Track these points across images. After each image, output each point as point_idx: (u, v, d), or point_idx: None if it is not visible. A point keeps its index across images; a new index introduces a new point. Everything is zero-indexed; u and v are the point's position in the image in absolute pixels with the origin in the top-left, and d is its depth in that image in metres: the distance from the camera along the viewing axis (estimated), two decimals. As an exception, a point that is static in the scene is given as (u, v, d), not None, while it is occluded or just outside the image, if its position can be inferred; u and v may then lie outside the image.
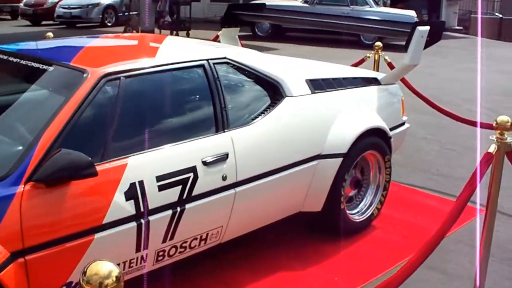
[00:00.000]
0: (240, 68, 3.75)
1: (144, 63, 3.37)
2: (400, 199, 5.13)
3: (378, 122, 4.28)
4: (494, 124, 3.16)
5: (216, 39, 7.50)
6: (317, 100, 3.99)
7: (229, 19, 5.81)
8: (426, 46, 4.76)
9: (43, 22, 22.69)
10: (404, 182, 5.63)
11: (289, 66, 4.14)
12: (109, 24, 20.77)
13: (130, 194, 2.97)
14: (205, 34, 7.89)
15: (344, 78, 4.32)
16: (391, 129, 4.58)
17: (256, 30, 16.76)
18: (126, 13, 18.20)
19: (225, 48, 3.90)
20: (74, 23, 20.81)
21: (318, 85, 4.06)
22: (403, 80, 6.23)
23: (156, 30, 17.31)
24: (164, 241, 3.18)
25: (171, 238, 3.21)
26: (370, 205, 4.44)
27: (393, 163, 6.12)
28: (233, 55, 3.78)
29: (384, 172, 4.44)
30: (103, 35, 4.51)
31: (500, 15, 26.54)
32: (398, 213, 4.78)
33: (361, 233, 4.35)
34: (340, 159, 3.96)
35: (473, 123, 5.95)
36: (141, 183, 3.01)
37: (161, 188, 3.09)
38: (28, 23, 23.26)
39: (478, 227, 3.85)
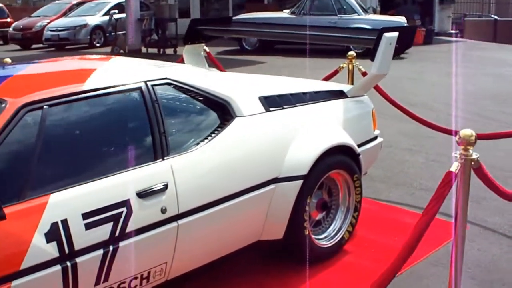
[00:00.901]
0: (184, 89, 3.44)
1: (71, 89, 3.05)
2: (376, 218, 4.80)
3: (343, 138, 3.96)
4: (456, 139, 2.83)
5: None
6: (272, 118, 3.67)
7: (192, 35, 5.49)
8: (396, 54, 4.44)
9: (33, 46, 22.53)
10: (382, 199, 5.30)
11: (241, 83, 3.81)
12: (97, 44, 20.57)
13: (52, 235, 2.66)
14: None
15: (304, 93, 4.00)
16: (360, 145, 4.26)
17: (244, 44, 16.51)
18: (113, 33, 17.98)
19: (167, 68, 3.58)
20: (62, 45, 20.61)
21: (273, 102, 3.74)
22: (377, 88, 5.87)
23: (143, 49, 17.14)
24: (97, 283, 2.86)
25: (105, 279, 2.88)
26: (340, 228, 4.10)
27: (372, 178, 5.84)
28: (176, 75, 3.46)
29: (354, 192, 4.11)
30: (44, 60, 4.20)
31: (495, 17, 26.24)
32: (373, 234, 4.43)
33: (330, 260, 4.00)
34: (300, 182, 3.63)
35: (449, 132, 5.61)
36: (64, 222, 2.70)
37: (88, 226, 2.78)
38: (18, 47, 23.11)
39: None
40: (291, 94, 3.89)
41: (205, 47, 7.34)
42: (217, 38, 6.18)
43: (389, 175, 6.00)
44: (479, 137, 6.20)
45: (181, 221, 3.11)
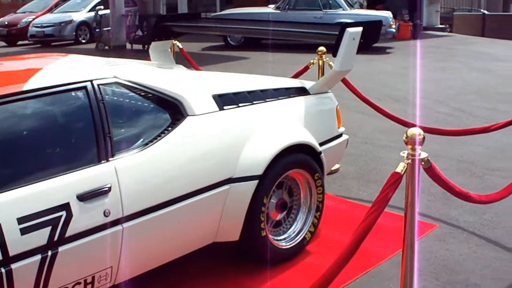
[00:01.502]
0: (133, 88, 3.32)
1: (10, 89, 2.93)
2: (344, 217, 4.70)
3: (302, 137, 3.85)
4: (404, 138, 2.73)
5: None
6: (226, 117, 3.56)
7: (159, 32, 5.36)
8: (362, 49, 4.33)
9: (19, 42, 22.33)
10: (353, 197, 5.19)
11: (195, 81, 3.70)
12: (83, 41, 20.38)
13: (-16, 241, 2.55)
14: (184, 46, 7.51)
15: (262, 91, 3.89)
16: (323, 143, 4.16)
17: (229, 39, 16.38)
18: (97, 30, 17.82)
19: (117, 67, 3.46)
20: (48, 41, 20.42)
21: (228, 100, 3.63)
22: (347, 84, 5.75)
23: (128, 45, 16.99)
24: (36, 290, 2.75)
25: (45, 285, 2.77)
26: (302, 229, 4.00)
27: (344, 176, 5.75)
28: (125, 74, 3.35)
29: (315, 191, 4.00)
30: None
31: (484, 11, 26.14)
32: (339, 234, 4.33)
33: (291, 261, 3.90)
34: (255, 182, 3.52)
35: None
36: (-3, 227, 2.59)
37: (24, 231, 2.67)
38: (3, 44, 22.91)
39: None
40: (248, 92, 3.78)
41: (178, 44, 7.27)
42: (185, 35, 6.05)
43: (362, 172, 5.90)
44: (457, 133, 6.21)
45: (126, 224, 3.00)
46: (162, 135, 3.26)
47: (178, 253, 3.40)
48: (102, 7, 18.97)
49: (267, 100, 3.86)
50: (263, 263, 3.73)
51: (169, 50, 5.51)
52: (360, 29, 4.19)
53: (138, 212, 3.05)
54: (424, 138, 2.72)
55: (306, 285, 3.62)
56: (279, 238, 3.90)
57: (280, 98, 3.96)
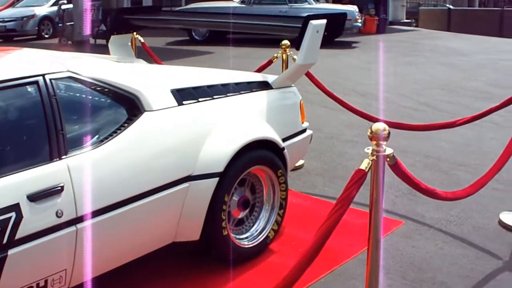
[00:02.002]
0: (88, 82, 3.18)
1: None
2: (308, 214, 4.62)
3: (264, 132, 3.76)
4: (368, 134, 2.65)
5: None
6: (185, 112, 3.44)
7: (119, 25, 5.22)
8: (326, 42, 4.24)
9: (-21, 38, 21.81)
10: (318, 194, 5.12)
11: (153, 75, 3.56)
12: (46, 36, 19.99)
13: None
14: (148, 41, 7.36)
15: (223, 85, 3.78)
16: (286, 139, 4.07)
17: (194, 34, 16.20)
18: (60, 24, 17.48)
19: (72, 61, 3.31)
20: (10, 36, 19.98)
21: (187, 95, 3.51)
22: (311, 78, 5.67)
23: (92, 40, 16.69)
24: (-17, 294, 2.62)
25: (-6, 291, 2.64)
26: (265, 227, 3.90)
27: (308, 172, 5.67)
28: (79, 68, 3.20)
29: (278, 188, 3.91)
30: None
31: (450, 6, 26.40)
32: (303, 232, 4.24)
33: (252, 261, 3.81)
34: (215, 179, 3.41)
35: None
36: None
37: (-31, 234, 2.53)
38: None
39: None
40: (209, 86, 3.67)
41: (140, 38, 7.11)
42: (146, 28, 5.91)
43: (327, 168, 5.83)
44: (422, 128, 6.18)
45: (80, 225, 2.87)
46: (118, 131, 3.14)
47: (135, 254, 3.28)
48: (65, 1, 18.58)
49: (228, 94, 3.75)
50: (225, 262, 3.64)
51: (129, 44, 5.36)
52: (324, 21, 4.10)
53: (92, 212, 2.92)
54: (389, 133, 2.64)
55: (269, 285, 3.55)
56: (241, 237, 3.81)
57: (241, 92, 3.86)
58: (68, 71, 3.12)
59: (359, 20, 15.68)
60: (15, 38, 20.28)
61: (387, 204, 4.80)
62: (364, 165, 2.60)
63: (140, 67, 3.75)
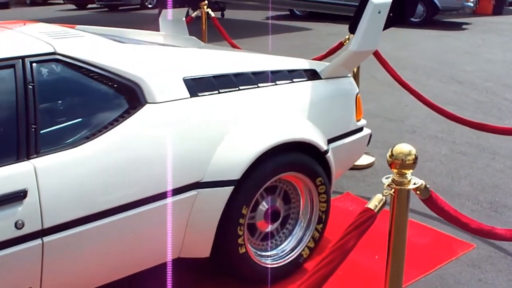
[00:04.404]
0: (78, 67, 2.66)
1: None
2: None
3: (299, 133, 3.12)
4: (387, 158, 1.97)
5: (190, 20, 6.45)
6: (199, 105, 2.85)
7: (171, -3, 4.70)
8: (388, 25, 3.52)
9: (89, 6, 22.25)
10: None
11: (165, 60, 2.98)
12: (149, 6, 20.01)
13: None
14: (245, 14, 6.88)
15: (255, 73, 3.16)
16: (334, 139, 3.42)
17: (294, 9, 15.53)
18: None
19: (62, 40, 2.79)
20: (114, 6, 20.19)
21: (205, 84, 2.92)
22: (384, 63, 4.90)
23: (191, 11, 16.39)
24: None
25: None
26: (298, 244, 3.29)
27: (377, 172, 4.98)
28: (69, 49, 2.69)
29: (317, 199, 3.28)
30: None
31: None
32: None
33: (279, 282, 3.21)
34: (230, 188, 2.83)
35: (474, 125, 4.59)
36: None
37: None
38: (73, 7, 22.91)
39: None
40: (236, 75, 3.06)
41: (210, 12, 6.58)
42: (202, 1, 5.36)
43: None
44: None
45: (47, 238, 2.39)
46: (110, 126, 2.60)
47: (127, 270, 2.77)
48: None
49: (260, 85, 3.13)
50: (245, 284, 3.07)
51: (184, 19, 4.82)
52: (388, 0, 3.38)
53: (65, 224, 2.42)
54: (416, 158, 1.95)
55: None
56: (269, 253, 3.21)
57: (278, 82, 3.23)
58: (54, 53, 2.62)
59: (471, 0, 14.37)
60: (120, 8, 20.47)
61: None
62: (374, 203, 1.91)
63: (152, 49, 3.15)
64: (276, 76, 3.23)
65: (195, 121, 2.82)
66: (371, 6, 3.30)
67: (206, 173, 2.80)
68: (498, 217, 4.11)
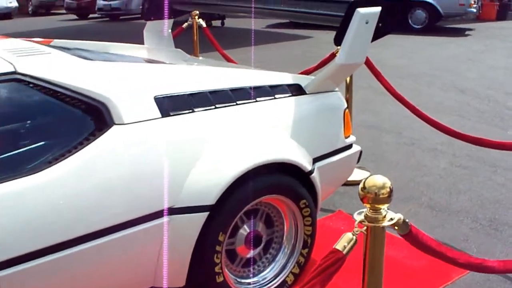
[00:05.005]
0: (40, 87, 2.48)
1: None
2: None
3: (280, 153, 2.93)
4: (359, 192, 1.78)
5: (180, 31, 6.30)
6: (171, 126, 2.67)
7: (155, 10, 4.54)
8: (378, 36, 3.34)
9: (90, 16, 22.17)
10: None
11: (136, 77, 2.79)
12: (150, 15, 19.89)
13: None
14: (245, 22, 6.72)
15: (234, 90, 2.97)
16: (320, 158, 3.23)
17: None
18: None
19: (25, 58, 2.62)
20: (115, 15, 20.09)
21: (178, 103, 2.73)
22: (377, 75, 4.72)
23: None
24: None
25: None
26: (282, 270, 3.10)
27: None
28: (32, 68, 2.52)
29: (302, 223, 3.09)
30: None
31: None
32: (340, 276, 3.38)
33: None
34: (204, 214, 2.64)
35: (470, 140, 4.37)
36: None
37: None
38: (74, 17, 22.83)
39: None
40: (212, 92, 2.88)
41: (201, 22, 6.41)
42: (187, 13, 5.20)
43: (395, 184, 4.80)
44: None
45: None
46: (74, 150, 2.42)
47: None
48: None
49: (239, 102, 2.94)
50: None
51: (169, 31, 4.66)
52: (376, 9, 3.20)
53: (19, 257, 2.24)
54: (391, 191, 1.76)
55: None
56: (250, 281, 3.03)
57: (259, 99, 3.04)
58: (14, 72, 2.45)
59: (474, 5, 14.15)
60: (121, 17, 20.36)
61: (456, 239, 3.84)
62: (343, 243, 1.71)
63: (120, 66, 2.94)
64: (256, 92, 3.05)
65: (166, 143, 2.64)
66: (358, 16, 3.11)
67: (179, 198, 2.62)
68: (498, 236, 3.91)
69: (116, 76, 2.75)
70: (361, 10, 3.12)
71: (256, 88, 3.07)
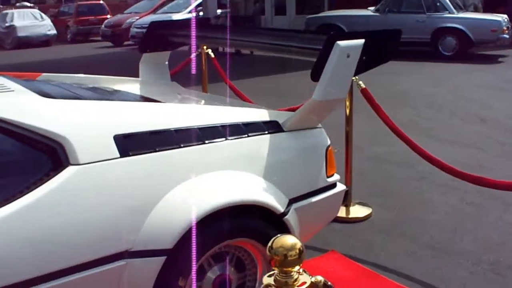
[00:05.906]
0: None
1: None
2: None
3: (246, 194, 2.81)
4: (267, 252, 1.63)
5: (188, 61, 6.26)
6: (130, 167, 2.58)
7: (152, 42, 4.50)
8: (363, 69, 3.21)
9: (125, 43, 22.48)
10: (368, 261, 4.02)
11: (95, 114, 2.69)
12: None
13: None
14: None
15: (202, 128, 2.87)
16: (299, 198, 3.10)
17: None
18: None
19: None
20: (148, 42, 20.32)
21: (139, 142, 2.64)
22: (376, 107, 4.58)
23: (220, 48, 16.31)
24: None
25: None
26: (254, 316, 2.97)
27: (373, 224, 4.64)
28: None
29: (274, 267, 2.94)
30: None
31: None
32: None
33: None
34: (161, 258, 2.54)
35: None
36: None
37: None
38: (110, 44, 23.19)
39: None
40: (178, 130, 2.78)
41: (209, 51, 6.37)
42: (185, 45, 5.15)
43: (398, 221, 4.69)
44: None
45: None
46: (26, 191, 2.35)
47: None
48: (201, 7, 18.59)
49: (207, 142, 2.84)
50: None
51: (166, 63, 4.61)
52: (359, 42, 3.08)
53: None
54: (301, 252, 1.61)
55: None
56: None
57: (230, 138, 2.93)
58: (-34, 110, 2.41)
59: (507, 31, 13.83)
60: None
61: (452, 283, 3.64)
62: None
63: (78, 104, 2.84)
64: (228, 130, 2.94)
65: (124, 184, 2.55)
66: (337, 49, 3.00)
67: (135, 241, 2.52)
68: (500, 281, 3.69)
69: (76, 114, 2.68)
70: (341, 43, 3.00)
71: (228, 126, 2.96)
